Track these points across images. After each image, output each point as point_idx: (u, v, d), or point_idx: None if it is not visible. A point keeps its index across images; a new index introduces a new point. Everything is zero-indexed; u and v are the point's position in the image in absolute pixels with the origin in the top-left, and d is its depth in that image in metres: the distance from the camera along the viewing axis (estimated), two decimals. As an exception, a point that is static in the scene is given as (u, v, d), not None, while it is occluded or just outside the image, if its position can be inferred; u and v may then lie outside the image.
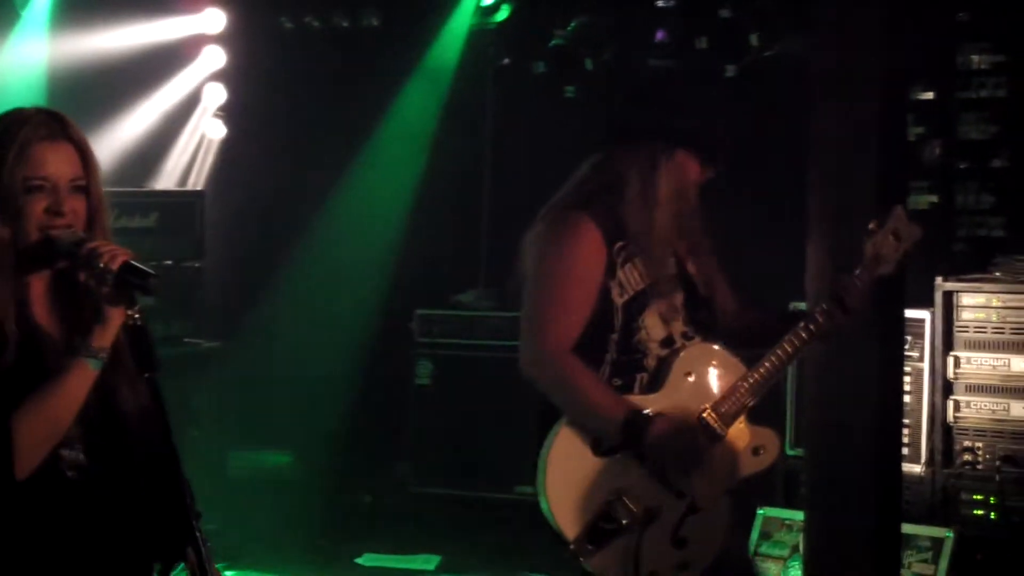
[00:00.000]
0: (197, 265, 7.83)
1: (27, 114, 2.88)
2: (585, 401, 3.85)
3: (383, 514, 8.51)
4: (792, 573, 5.85)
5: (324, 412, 9.05)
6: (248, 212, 9.17)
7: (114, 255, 2.76)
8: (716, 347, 4.07)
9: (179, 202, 8.02)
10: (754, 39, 7.90)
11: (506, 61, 8.80)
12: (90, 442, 2.86)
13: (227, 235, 8.74)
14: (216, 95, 9.23)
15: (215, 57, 9.11)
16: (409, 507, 8.44)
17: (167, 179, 9.09)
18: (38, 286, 2.89)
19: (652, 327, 3.98)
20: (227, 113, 9.30)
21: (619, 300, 3.94)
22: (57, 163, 2.85)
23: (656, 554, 3.85)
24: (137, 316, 2.80)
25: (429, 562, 7.46)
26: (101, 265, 2.75)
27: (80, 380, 2.77)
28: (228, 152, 9.37)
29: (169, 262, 7.58)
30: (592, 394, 3.85)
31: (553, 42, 8.44)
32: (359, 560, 7.51)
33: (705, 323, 4.11)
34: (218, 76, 9.19)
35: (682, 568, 3.93)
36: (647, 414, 3.83)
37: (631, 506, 3.82)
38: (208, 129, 9.32)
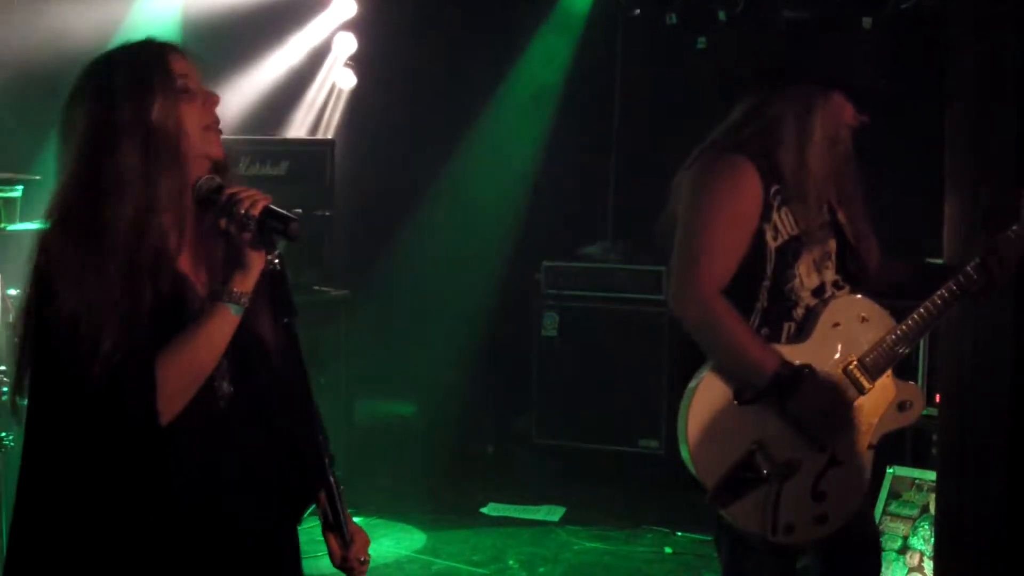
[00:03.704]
0: (327, 214, 7.88)
1: (138, 39, 2.92)
2: (734, 348, 3.79)
3: (507, 465, 8.55)
4: (921, 533, 5.78)
5: (449, 362, 9.10)
6: (377, 162, 9.22)
7: (255, 200, 2.77)
8: (865, 298, 4.01)
9: (310, 151, 8.07)
10: (891, -10, 7.75)
11: (637, 12, 8.72)
12: (236, 377, 2.87)
13: (356, 184, 8.80)
14: (346, 45, 9.27)
15: (346, 6, 9.14)
16: (532, 459, 8.48)
17: (298, 128, 9.17)
18: (186, 217, 2.88)
19: (806, 274, 3.92)
20: (357, 63, 9.34)
21: (773, 244, 3.87)
22: (191, 67, 2.88)
23: (794, 506, 3.82)
24: (277, 261, 2.81)
25: (553, 513, 7.47)
26: (242, 211, 2.75)
27: (222, 325, 2.78)
28: (358, 102, 9.42)
29: (299, 211, 7.54)
30: (742, 342, 3.79)
31: (686, -8, 8.36)
32: (484, 510, 7.55)
33: (854, 273, 4.06)
34: (349, 26, 9.22)
35: (820, 521, 3.88)
36: (797, 370, 3.79)
37: (772, 457, 3.78)
38: (338, 79, 9.38)
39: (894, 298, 4.09)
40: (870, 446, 3.98)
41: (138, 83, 2.80)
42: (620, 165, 9.22)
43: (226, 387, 2.86)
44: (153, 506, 2.77)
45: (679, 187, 4.00)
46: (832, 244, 4.00)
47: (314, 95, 9.33)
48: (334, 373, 7.72)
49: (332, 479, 2.89)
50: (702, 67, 8.56)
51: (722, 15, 8.34)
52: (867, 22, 7.78)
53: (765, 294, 3.89)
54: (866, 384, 3.92)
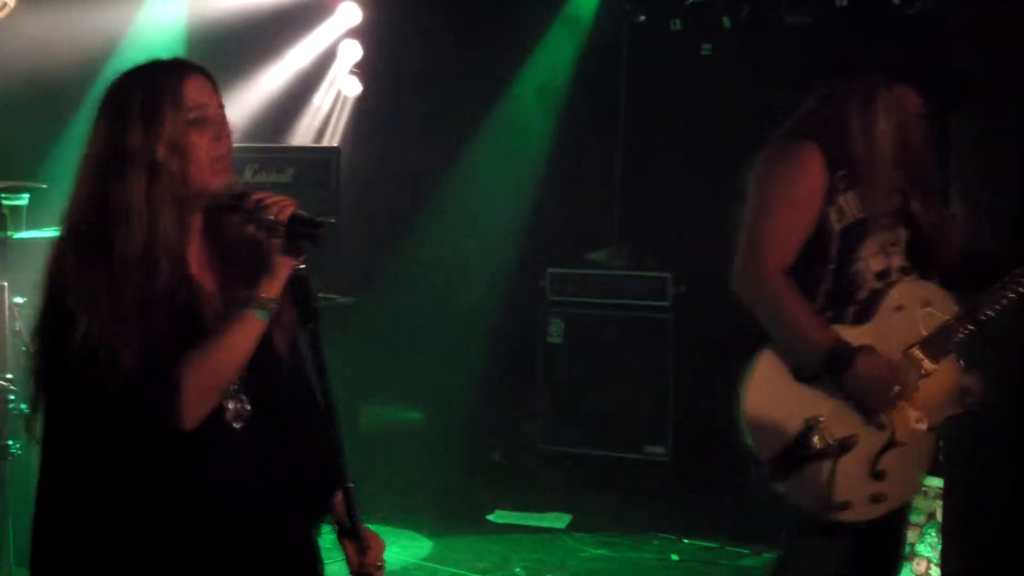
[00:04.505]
0: (332, 221, 7.87)
1: (158, 59, 2.93)
2: (793, 325, 3.87)
3: (513, 471, 8.54)
4: (928, 540, 5.77)
5: (456, 369, 9.10)
6: (382, 169, 9.22)
7: (282, 206, 2.78)
8: (931, 284, 4.04)
9: (315, 158, 8.09)
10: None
11: (642, 18, 8.72)
12: (254, 393, 2.86)
13: (362, 191, 8.80)
14: (352, 52, 9.27)
15: (351, 14, 9.14)
16: (539, 465, 8.48)
17: (303, 135, 9.18)
18: (193, 237, 2.89)
19: (870, 258, 3.98)
20: (362, 70, 9.34)
21: (837, 226, 3.94)
22: (209, 93, 2.89)
23: (851, 484, 3.85)
24: (303, 267, 2.80)
25: (560, 520, 7.47)
26: (270, 217, 2.77)
27: (248, 331, 2.77)
28: (363, 109, 9.42)
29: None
30: (800, 319, 3.87)
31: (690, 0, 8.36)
32: (490, 517, 7.54)
33: (925, 262, 4.08)
34: (354, 33, 9.22)
35: (876, 500, 3.91)
36: (852, 347, 3.83)
37: (828, 433, 3.83)
38: (344, 86, 9.38)
39: (965, 290, 4.10)
40: (931, 429, 4.00)
41: (150, 110, 2.80)
42: (625, 171, 9.22)
43: (243, 406, 2.85)
44: (170, 521, 2.77)
45: (751, 175, 4.07)
46: (902, 232, 4.05)
47: (319, 102, 9.33)
48: (340, 379, 7.70)
49: (349, 486, 2.90)
50: (707, 73, 8.56)
51: (726, 21, 8.34)
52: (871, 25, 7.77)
53: (830, 276, 3.96)
54: (928, 366, 3.96)
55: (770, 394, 3.88)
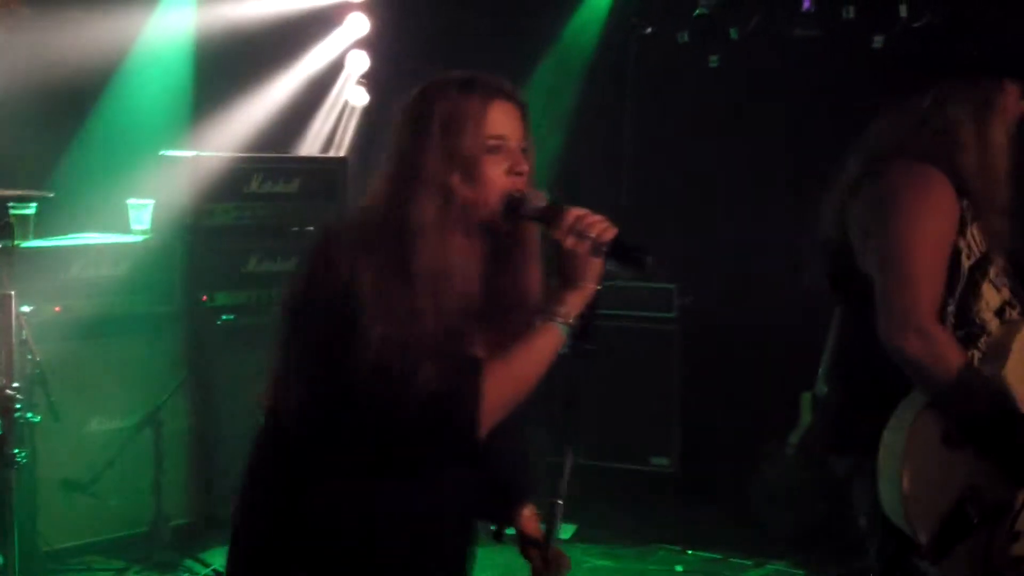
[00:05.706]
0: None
1: (469, 76, 2.92)
2: (961, 381, 3.41)
3: (518, 482, 8.53)
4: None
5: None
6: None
7: (606, 227, 2.81)
8: None
9: (322, 168, 8.08)
10: (903, 9, 7.73)
11: (649, 30, 8.73)
12: None
13: (369, 202, 8.79)
14: (359, 62, 9.29)
15: (359, 24, 9.16)
16: (544, 476, 8.45)
17: (310, 146, 9.18)
18: (476, 251, 2.89)
19: (988, 295, 3.59)
20: (370, 80, 9.36)
21: (967, 263, 3.54)
22: (512, 124, 2.89)
23: (1000, 551, 3.53)
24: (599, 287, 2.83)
25: (564, 531, 7.46)
26: (592, 235, 2.79)
27: (551, 344, 2.82)
28: (370, 119, 9.43)
29: (311, 228, 7.63)
30: (966, 372, 3.43)
31: (697, 11, 8.36)
32: (494, 527, 7.53)
33: (1019, 291, 3.68)
34: (361, 43, 9.24)
35: (1017, 565, 3.55)
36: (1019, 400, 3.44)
37: (983, 501, 3.49)
38: (351, 96, 9.39)
39: None
40: None
41: (450, 132, 2.82)
42: (632, 183, 9.22)
43: None
44: (401, 522, 2.88)
45: (847, 202, 3.66)
46: (1001, 261, 3.64)
47: (327, 113, 9.35)
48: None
49: (559, 502, 3.04)
50: (714, 85, 8.57)
51: (734, 33, 8.35)
52: (878, 41, 7.77)
53: (951, 319, 3.56)
54: None
55: (926, 467, 3.46)
